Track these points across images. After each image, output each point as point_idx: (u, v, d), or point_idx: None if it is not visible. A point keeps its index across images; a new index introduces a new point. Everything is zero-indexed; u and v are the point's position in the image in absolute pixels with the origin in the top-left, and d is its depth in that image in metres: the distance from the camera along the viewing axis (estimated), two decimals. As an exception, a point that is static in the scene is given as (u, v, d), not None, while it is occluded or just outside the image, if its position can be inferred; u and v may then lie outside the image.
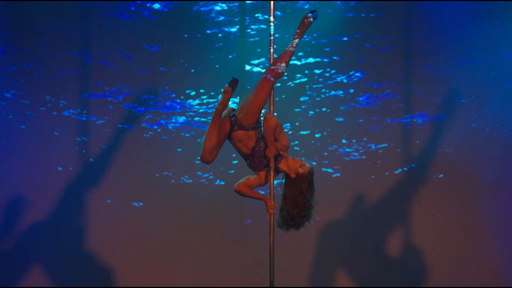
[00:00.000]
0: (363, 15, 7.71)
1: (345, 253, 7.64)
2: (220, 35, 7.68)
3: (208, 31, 7.68)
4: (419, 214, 7.61)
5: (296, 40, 5.40)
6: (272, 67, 5.29)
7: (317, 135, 7.72)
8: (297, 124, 7.72)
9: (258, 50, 7.68)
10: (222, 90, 5.26)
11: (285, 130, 6.00)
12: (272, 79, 5.23)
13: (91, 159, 7.58)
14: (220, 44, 7.69)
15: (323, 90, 7.72)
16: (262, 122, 5.17)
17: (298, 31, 5.44)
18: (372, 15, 7.71)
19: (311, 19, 5.44)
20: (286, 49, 5.37)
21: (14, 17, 7.50)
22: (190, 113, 7.71)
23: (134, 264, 7.56)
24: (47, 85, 7.57)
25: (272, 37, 5.39)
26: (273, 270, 5.36)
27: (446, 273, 7.56)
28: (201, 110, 7.71)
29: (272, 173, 5.25)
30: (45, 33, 7.54)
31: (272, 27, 5.45)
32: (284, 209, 5.21)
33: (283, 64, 5.29)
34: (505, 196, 7.57)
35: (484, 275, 7.52)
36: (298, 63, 7.71)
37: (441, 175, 7.62)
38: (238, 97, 7.60)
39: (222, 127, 5.23)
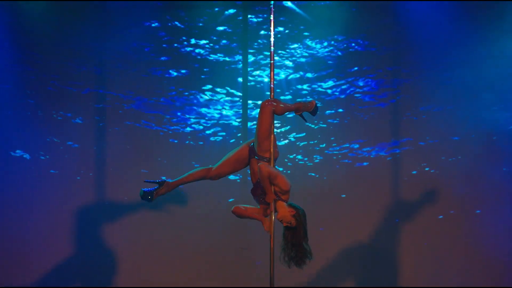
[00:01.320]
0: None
1: (345, 253, 7.72)
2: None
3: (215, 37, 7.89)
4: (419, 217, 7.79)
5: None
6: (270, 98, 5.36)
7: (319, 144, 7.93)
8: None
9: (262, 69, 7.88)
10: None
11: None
12: (270, 104, 5.24)
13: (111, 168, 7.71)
14: (223, 54, 7.90)
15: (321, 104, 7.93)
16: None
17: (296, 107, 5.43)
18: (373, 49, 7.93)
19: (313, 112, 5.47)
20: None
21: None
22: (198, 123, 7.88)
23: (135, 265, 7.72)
24: (60, 98, 7.72)
25: (272, 61, 5.43)
26: (273, 270, 5.31)
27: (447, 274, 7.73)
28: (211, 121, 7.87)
29: (272, 218, 5.23)
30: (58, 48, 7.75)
31: (272, 49, 5.47)
32: (284, 245, 5.25)
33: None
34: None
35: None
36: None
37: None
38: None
39: (240, 155, 5.37)
